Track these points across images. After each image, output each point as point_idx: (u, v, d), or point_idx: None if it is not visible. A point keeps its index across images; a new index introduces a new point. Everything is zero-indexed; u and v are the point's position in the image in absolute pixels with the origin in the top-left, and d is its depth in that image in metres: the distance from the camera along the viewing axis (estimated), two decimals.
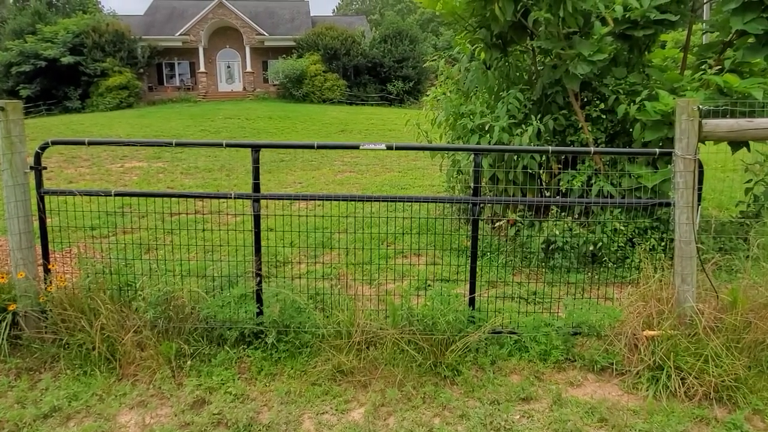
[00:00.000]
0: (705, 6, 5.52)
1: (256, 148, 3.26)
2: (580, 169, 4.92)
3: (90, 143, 3.33)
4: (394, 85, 33.57)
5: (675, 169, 3.11)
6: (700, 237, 3.26)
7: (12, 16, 34.84)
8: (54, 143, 3.32)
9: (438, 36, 45.69)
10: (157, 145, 3.40)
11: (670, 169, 3.59)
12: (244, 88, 34.96)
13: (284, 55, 32.91)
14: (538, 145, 4.94)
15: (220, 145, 3.28)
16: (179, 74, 35.27)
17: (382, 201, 3.47)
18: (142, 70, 32.74)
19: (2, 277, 3.32)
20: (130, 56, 31.63)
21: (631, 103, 4.63)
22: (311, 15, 37.79)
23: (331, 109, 27.30)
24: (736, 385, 2.78)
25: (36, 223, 3.40)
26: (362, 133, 18.56)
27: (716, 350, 2.83)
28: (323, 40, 32.45)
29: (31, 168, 3.28)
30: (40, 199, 3.36)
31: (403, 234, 5.37)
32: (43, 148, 3.30)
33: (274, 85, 33.60)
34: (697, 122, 3.02)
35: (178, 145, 3.31)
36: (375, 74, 34.08)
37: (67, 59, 29.14)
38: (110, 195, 3.39)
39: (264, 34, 34.19)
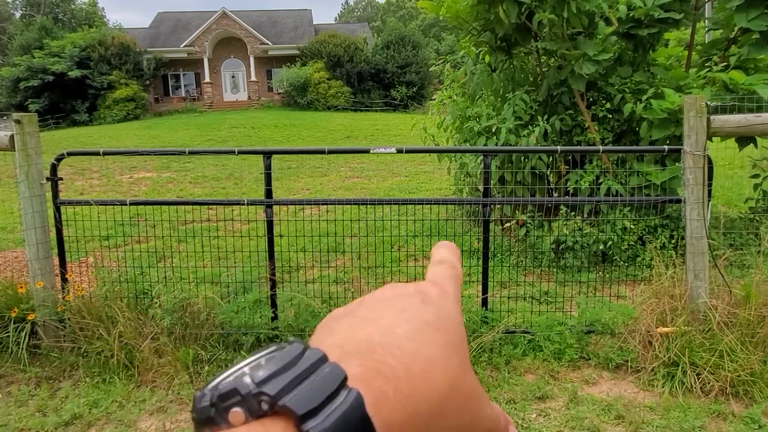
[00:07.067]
0: (707, 4, 5.53)
1: (267, 155, 3.30)
2: (587, 169, 4.94)
3: (105, 153, 3.38)
4: (397, 91, 33.66)
5: (684, 165, 3.12)
6: (710, 233, 3.27)
7: (19, 31, 35.25)
8: (69, 154, 3.38)
9: (440, 41, 45.79)
10: (171, 154, 3.45)
11: (679, 166, 3.60)
12: (249, 98, 35.17)
13: (288, 64, 33.09)
14: (545, 146, 4.96)
15: (232, 152, 3.32)
16: (185, 85, 35.54)
17: (393, 204, 3.50)
18: (148, 82, 33.00)
19: (21, 287, 3.38)
20: (136, 68, 31.90)
21: (637, 102, 4.65)
22: (314, 23, 38.01)
23: (336, 116, 27.41)
24: (752, 380, 2.78)
25: (52, 234, 3.46)
26: (368, 139, 18.62)
27: (731, 345, 2.83)
28: (326, 47, 32.63)
29: (48, 179, 3.34)
30: (57, 209, 3.42)
31: (414, 237, 5.40)
32: (59, 159, 3.36)
33: (279, 94, 33.78)
34: (705, 119, 3.04)
35: (191, 153, 3.36)
36: (378, 80, 34.19)
37: (75, 73, 29.42)
38: (125, 204, 3.44)
39: (268, 44, 34.42)
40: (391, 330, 0.32)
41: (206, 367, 3.12)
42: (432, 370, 0.30)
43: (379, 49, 34.36)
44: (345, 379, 0.27)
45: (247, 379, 0.26)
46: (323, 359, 0.28)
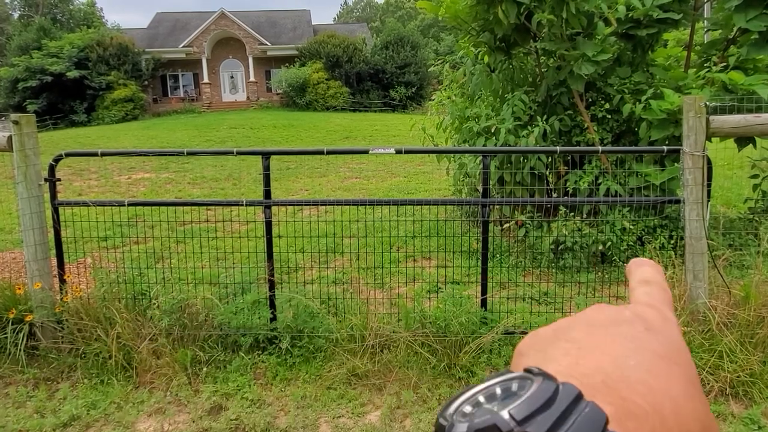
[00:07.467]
0: (706, 4, 5.53)
1: (266, 155, 3.29)
2: (586, 170, 4.93)
3: (103, 154, 3.37)
4: (396, 91, 33.66)
5: (683, 166, 3.12)
6: (709, 234, 3.27)
7: (17, 32, 35.21)
8: (68, 155, 3.37)
9: (439, 41, 45.80)
10: (169, 155, 3.44)
11: (678, 166, 3.60)
12: (248, 98, 35.15)
13: (287, 64, 33.08)
14: (544, 146, 4.96)
15: (230, 153, 3.31)
16: (183, 85, 35.50)
17: (392, 204, 3.49)
18: (146, 83, 32.97)
19: (19, 289, 3.37)
20: (135, 69, 31.87)
21: (637, 102, 4.64)
22: (313, 24, 37.99)
23: (335, 117, 27.40)
24: (752, 381, 2.78)
25: (50, 235, 3.45)
26: (367, 140, 18.62)
27: (730, 346, 2.83)
28: (325, 48, 32.62)
29: (46, 180, 3.33)
30: (55, 210, 3.41)
31: (414, 237, 5.40)
32: (57, 160, 3.35)
33: (278, 94, 33.77)
34: (704, 119, 3.04)
35: (189, 154, 3.35)
36: (377, 81, 34.18)
37: (73, 73, 29.39)
38: (124, 205, 3.43)
39: (266, 44, 34.40)
40: (622, 362, 0.29)
41: (205, 369, 3.11)
42: (681, 410, 0.27)
43: (378, 50, 34.35)
44: (606, 422, 0.25)
45: (506, 415, 0.25)
46: (580, 396, 0.26)
